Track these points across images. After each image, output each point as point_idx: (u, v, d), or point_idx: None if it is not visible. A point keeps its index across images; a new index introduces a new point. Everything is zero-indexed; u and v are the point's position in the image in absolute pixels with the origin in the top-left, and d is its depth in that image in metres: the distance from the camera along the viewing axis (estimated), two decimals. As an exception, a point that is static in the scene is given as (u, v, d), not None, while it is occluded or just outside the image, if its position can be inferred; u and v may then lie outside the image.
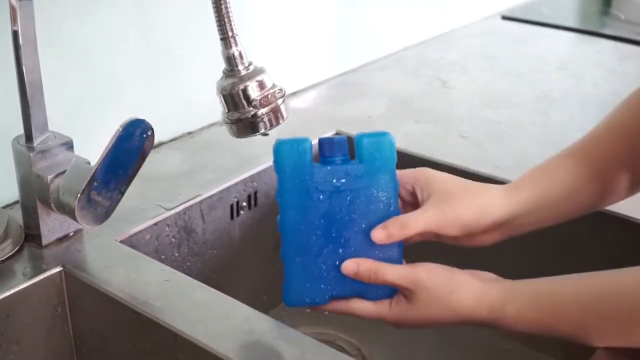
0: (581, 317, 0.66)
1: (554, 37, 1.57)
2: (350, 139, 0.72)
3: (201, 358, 0.67)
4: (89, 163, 0.77)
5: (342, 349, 0.97)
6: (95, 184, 0.73)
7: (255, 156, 1.00)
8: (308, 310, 0.74)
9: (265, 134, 0.74)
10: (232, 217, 0.96)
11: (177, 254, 0.90)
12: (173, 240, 0.89)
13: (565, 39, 1.58)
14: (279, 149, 0.70)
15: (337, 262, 0.71)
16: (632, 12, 1.71)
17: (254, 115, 0.72)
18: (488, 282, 0.70)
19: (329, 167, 0.71)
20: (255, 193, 0.99)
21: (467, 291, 0.69)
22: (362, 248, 0.71)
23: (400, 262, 0.72)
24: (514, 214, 0.74)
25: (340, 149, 0.71)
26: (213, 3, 0.70)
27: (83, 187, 0.73)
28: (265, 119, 0.73)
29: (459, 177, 0.76)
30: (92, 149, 0.79)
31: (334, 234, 0.71)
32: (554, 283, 0.69)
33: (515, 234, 0.76)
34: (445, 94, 1.26)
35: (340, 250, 0.71)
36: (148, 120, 0.74)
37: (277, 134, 0.75)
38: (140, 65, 0.99)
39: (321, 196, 0.71)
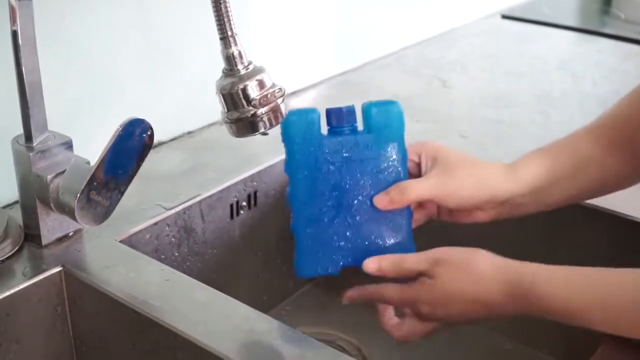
0: (612, 303, 0.65)
1: (554, 37, 1.57)
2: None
3: (201, 358, 0.67)
4: (88, 163, 0.77)
5: (342, 349, 0.96)
6: (95, 183, 0.73)
7: (255, 156, 1.00)
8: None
9: (265, 134, 0.73)
10: (232, 216, 0.96)
11: (177, 254, 0.90)
12: (173, 240, 0.89)
13: (566, 38, 1.58)
14: (287, 120, 0.71)
15: (348, 233, 0.72)
16: (633, 11, 1.70)
17: (254, 115, 0.72)
18: (509, 260, 0.70)
19: (338, 138, 0.71)
20: (255, 193, 0.98)
21: (487, 262, 0.69)
22: (372, 217, 0.72)
23: (409, 230, 0.73)
24: (515, 192, 0.75)
25: (348, 119, 0.71)
26: (212, 2, 0.70)
27: (83, 187, 0.73)
28: (265, 119, 0.72)
29: (464, 154, 0.76)
30: (92, 149, 0.78)
31: (344, 205, 0.71)
32: (584, 271, 0.67)
33: (515, 214, 0.77)
34: (445, 94, 1.26)
35: (351, 220, 0.72)
36: (148, 120, 0.74)
37: (277, 133, 0.75)
38: (140, 65, 0.99)
39: (331, 167, 0.71)
